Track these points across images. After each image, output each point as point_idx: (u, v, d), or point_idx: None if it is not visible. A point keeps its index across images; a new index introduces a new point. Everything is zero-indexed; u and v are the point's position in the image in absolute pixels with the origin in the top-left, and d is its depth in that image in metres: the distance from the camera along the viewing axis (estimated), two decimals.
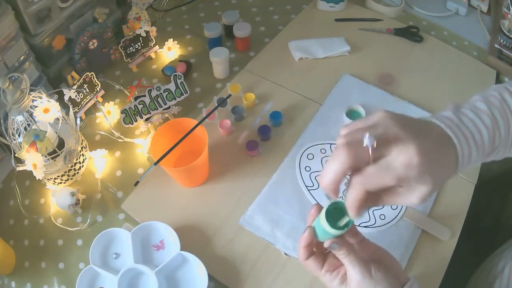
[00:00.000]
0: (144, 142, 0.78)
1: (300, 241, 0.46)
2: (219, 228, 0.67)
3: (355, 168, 0.38)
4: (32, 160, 0.62)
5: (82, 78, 0.79)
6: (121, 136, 0.78)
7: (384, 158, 0.37)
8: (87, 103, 0.81)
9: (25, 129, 0.65)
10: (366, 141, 0.37)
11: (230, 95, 0.80)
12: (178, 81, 0.78)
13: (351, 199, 0.39)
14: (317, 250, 0.48)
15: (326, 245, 0.44)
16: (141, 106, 0.76)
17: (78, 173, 0.74)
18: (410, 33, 0.95)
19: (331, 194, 0.41)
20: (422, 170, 0.36)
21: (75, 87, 0.78)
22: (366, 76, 0.87)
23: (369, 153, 0.37)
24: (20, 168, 0.65)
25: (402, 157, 0.36)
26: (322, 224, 0.43)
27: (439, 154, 0.39)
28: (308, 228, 0.45)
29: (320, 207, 0.46)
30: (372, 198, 0.40)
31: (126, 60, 0.89)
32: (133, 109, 0.76)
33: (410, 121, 0.40)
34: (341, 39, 0.93)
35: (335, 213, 0.43)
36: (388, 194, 0.40)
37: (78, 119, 0.76)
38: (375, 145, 0.36)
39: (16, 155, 0.65)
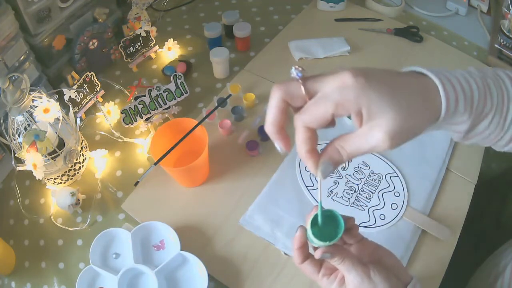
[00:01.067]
0: (144, 142, 0.78)
1: (293, 243, 0.44)
2: (219, 228, 0.67)
3: (294, 109, 0.37)
4: (32, 160, 0.62)
5: (82, 78, 0.79)
6: (121, 136, 0.78)
7: (320, 92, 0.35)
8: (87, 103, 0.81)
9: (25, 129, 0.65)
10: (293, 71, 0.35)
11: (230, 95, 0.80)
12: (178, 81, 0.78)
13: (297, 142, 0.37)
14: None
15: (317, 256, 0.41)
16: (141, 106, 0.76)
17: (78, 173, 0.74)
18: (410, 33, 0.95)
19: (274, 138, 0.38)
20: (362, 90, 0.32)
21: (75, 87, 0.78)
22: None
23: (301, 87, 0.35)
24: (20, 168, 0.65)
25: (336, 80, 0.34)
26: (308, 235, 0.41)
27: (399, 81, 0.35)
28: (300, 228, 0.43)
29: (305, 229, 0.43)
30: (334, 148, 0.37)
31: (126, 60, 0.89)
32: (133, 109, 0.76)
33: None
34: (341, 39, 0.93)
35: (324, 222, 0.40)
36: (350, 137, 0.36)
37: (78, 119, 0.76)
38: (303, 74, 0.35)
39: (16, 155, 0.65)
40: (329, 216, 0.41)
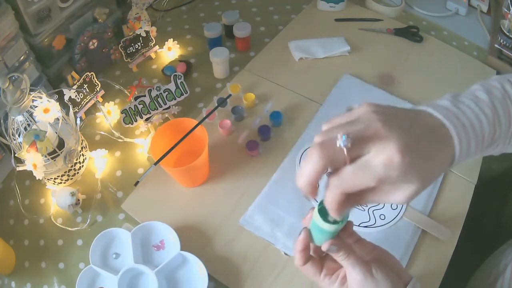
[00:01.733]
0: (144, 142, 0.78)
1: (296, 245, 0.44)
2: (219, 228, 0.67)
3: (333, 168, 0.36)
4: (32, 160, 0.62)
5: (82, 78, 0.79)
6: (121, 136, 0.78)
7: (362, 158, 0.34)
8: (87, 103, 0.81)
9: (25, 129, 0.65)
10: (340, 142, 0.34)
11: (230, 95, 0.80)
12: (178, 81, 0.78)
13: (328, 202, 0.37)
14: (315, 255, 0.46)
15: (324, 248, 0.42)
16: (141, 106, 0.76)
17: (78, 173, 0.74)
18: (410, 33, 0.95)
19: (308, 195, 0.39)
20: (405, 169, 0.33)
21: (75, 87, 0.78)
22: (366, 76, 0.87)
23: (344, 153, 0.34)
24: (20, 168, 0.65)
25: (382, 156, 0.33)
26: (316, 221, 0.41)
27: (429, 149, 0.36)
28: (304, 230, 0.44)
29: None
30: (355, 197, 0.38)
31: (126, 60, 0.89)
32: (133, 109, 0.76)
33: (397, 113, 0.37)
34: (341, 39, 0.93)
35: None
36: (372, 192, 0.38)
37: (78, 119, 0.76)
38: (349, 146, 0.34)
39: (16, 155, 0.65)
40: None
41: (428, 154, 0.36)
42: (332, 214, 0.38)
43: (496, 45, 0.91)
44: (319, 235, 0.43)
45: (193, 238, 0.66)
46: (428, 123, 0.38)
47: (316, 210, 0.42)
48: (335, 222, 0.41)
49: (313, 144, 0.37)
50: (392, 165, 0.33)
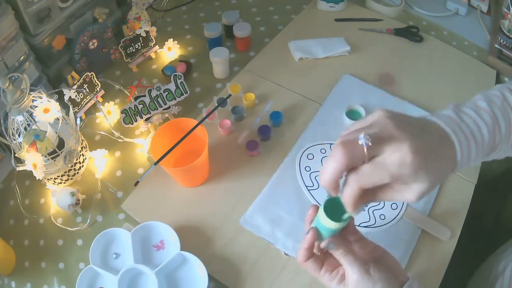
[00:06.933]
0: (144, 142, 0.78)
1: (303, 242, 0.46)
2: (219, 228, 0.67)
3: (352, 166, 0.39)
4: (32, 160, 0.62)
5: (82, 78, 0.79)
6: (121, 136, 0.78)
7: (379, 157, 0.38)
8: (87, 103, 0.81)
9: (25, 129, 0.65)
10: (361, 140, 0.37)
11: (230, 95, 0.80)
12: (178, 81, 0.79)
13: (347, 197, 0.40)
14: (317, 251, 0.48)
15: (323, 245, 0.44)
16: (141, 106, 0.76)
17: (78, 173, 0.74)
18: (410, 33, 0.95)
19: (331, 191, 0.41)
20: (415, 168, 0.37)
21: (75, 87, 0.78)
22: (366, 76, 0.87)
23: (364, 151, 0.37)
24: (20, 168, 0.65)
25: (396, 155, 0.37)
26: (321, 219, 0.43)
27: (436, 152, 0.39)
28: (312, 229, 0.45)
29: (317, 207, 0.46)
30: (370, 194, 0.41)
31: (126, 60, 0.89)
32: (133, 109, 0.76)
33: (408, 120, 0.40)
34: (341, 39, 0.93)
35: (333, 208, 0.43)
36: (385, 190, 0.41)
37: (78, 119, 0.76)
38: (370, 144, 0.37)
39: (16, 155, 0.65)
40: (336, 204, 0.43)
41: (435, 157, 0.39)
42: (349, 208, 0.40)
43: (496, 45, 0.91)
44: (322, 232, 0.45)
45: (193, 238, 0.66)
46: (434, 130, 0.41)
47: (322, 207, 0.43)
48: (338, 220, 0.42)
49: (335, 145, 0.40)
50: (405, 164, 0.36)
